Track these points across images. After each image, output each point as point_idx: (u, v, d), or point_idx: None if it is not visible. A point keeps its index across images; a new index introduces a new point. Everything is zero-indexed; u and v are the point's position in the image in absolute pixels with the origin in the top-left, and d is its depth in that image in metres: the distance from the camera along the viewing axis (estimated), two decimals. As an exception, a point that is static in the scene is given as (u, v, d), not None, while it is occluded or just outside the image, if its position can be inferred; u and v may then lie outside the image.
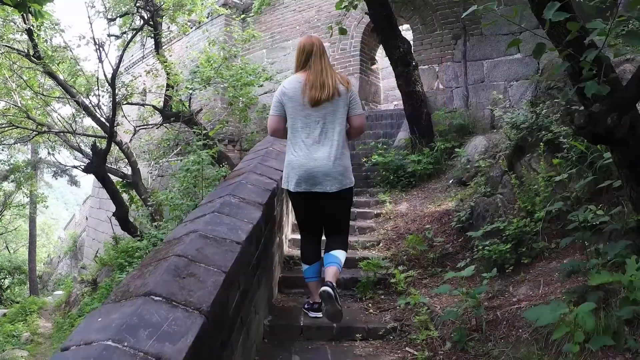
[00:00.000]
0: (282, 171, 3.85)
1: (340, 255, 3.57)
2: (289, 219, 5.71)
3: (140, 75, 12.01)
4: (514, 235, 4.25)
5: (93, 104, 11.20)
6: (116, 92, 10.99)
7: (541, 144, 4.81)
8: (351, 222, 4.66)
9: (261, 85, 10.77)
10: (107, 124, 11.00)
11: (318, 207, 3.62)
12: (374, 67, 12.08)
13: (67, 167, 17.60)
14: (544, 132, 4.99)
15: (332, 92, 3.40)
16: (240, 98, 11.19)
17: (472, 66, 9.96)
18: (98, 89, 11.28)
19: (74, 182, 21.71)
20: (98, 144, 11.30)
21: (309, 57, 3.49)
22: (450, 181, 7.08)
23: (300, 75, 3.51)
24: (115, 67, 10.19)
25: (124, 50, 11.55)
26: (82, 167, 11.76)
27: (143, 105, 11.88)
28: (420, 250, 4.93)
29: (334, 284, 3.34)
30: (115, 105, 10.99)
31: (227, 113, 11.92)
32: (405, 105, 7.75)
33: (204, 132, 9.87)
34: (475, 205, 5.20)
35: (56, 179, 21.87)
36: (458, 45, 10.26)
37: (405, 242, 5.16)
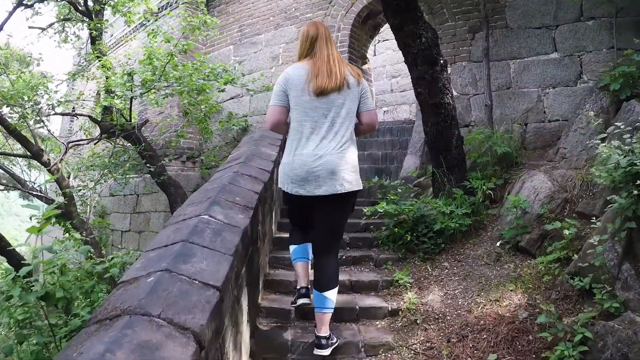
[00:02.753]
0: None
1: (332, 296, 3.10)
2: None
3: (74, 79, 9.06)
4: None
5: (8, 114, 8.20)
6: (41, 99, 8.08)
7: None
8: (352, 331, 3.61)
9: (222, 90, 8.01)
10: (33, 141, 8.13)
11: (317, 212, 3.14)
12: (365, 66, 9.39)
13: None
14: None
15: (340, 81, 2.95)
16: (200, 106, 8.37)
17: (495, 67, 7.40)
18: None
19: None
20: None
21: (314, 43, 3.04)
22: (498, 243, 4.49)
23: (306, 62, 3.04)
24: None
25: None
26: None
27: (74, 115, 8.96)
28: None
29: (329, 338, 3.11)
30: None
31: (183, 124, 9.11)
32: (428, 123, 5.10)
33: (141, 149, 7.11)
34: (598, 338, 2.57)
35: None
36: (476, 41, 7.64)
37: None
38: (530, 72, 7.35)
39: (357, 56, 9.12)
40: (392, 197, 4.89)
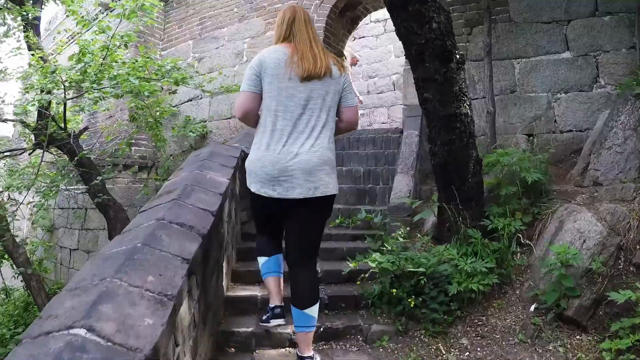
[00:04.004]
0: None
1: (314, 313, 2.64)
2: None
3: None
4: None
5: None
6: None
7: None
8: None
9: (174, 92, 6.48)
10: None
11: (289, 218, 2.66)
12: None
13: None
14: None
15: (325, 68, 2.53)
16: (150, 110, 6.82)
17: (497, 68, 6.11)
18: None
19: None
20: None
21: (291, 25, 2.63)
22: (533, 308, 3.22)
23: (284, 45, 2.60)
24: None
25: None
26: None
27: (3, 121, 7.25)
28: None
29: (313, 358, 2.65)
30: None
31: (131, 131, 7.55)
32: (436, 142, 3.62)
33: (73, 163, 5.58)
34: None
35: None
36: (474, 36, 6.31)
37: None
38: (539, 73, 6.05)
39: (333, 53, 7.67)
40: (391, 247, 3.45)
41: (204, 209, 3.02)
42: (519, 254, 3.66)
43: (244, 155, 4.80)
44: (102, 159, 8.35)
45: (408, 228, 4.57)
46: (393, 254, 3.36)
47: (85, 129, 7.54)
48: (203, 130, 8.11)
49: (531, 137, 6.02)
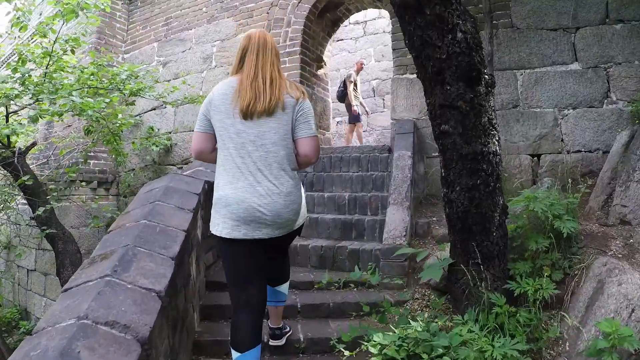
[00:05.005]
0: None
1: (285, 290, 2.82)
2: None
3: None
4: None
5: None
6: None
7: None
8: None
9: (131, 103, 5.46)
10: None
11: (260, 254, 2.42)
12: (321, 71, 7.05)
13: None
14: None
15: (272, 102, 2.28)
16: (106, 122, 5.79)
17: (498, 79, 5.25)
18: None
19: None
20: None
21: (243, 56, 2.41)
22: None
23: (235, 78, 2.40)
24: None
25: None
26: None
27: None
28: None
29: (282, 328, 2.94)
30: None
31: (87, 144, 6.52)
32: (454, 186, 2.69)
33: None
34: None
35: None
36: (472, 43, 5.37)
37: None
38: (544, 86, 5.26)
39: (312, 58, 6.77)
40: (402, 332, 2.53)
41: (149, 288, 2.12)
42: (547, 319, 2.81)
43: (207, 188, 3.85)
44: (58, 174, 7.28)
45: (405, 278, 3.72)
46: (398, 331, 2.47)
47: (34, 144, 6.45)
48: (168, 143, 7.10)
49: (535, 158, 5.23)
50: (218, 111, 2.33)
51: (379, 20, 10.75)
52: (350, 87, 8.21)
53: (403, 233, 3.91)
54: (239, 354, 2.28)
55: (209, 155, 2.45)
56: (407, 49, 5.76)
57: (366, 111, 8.42)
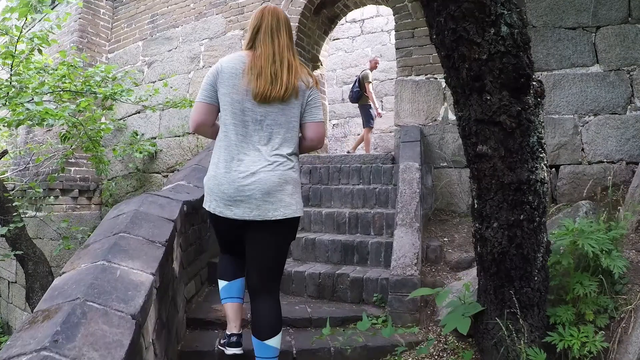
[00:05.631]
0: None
1: (276, 343, 2.32)
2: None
3: None
4: None
5: None
6: None
7: None
8: None
9: (109, 108, 4.87)
10: None
11: (249, 241, 2.34)
12: (317, 72, 6.48)
13: None
14: None
15: (287, 89, 2.18)
16: (84, 127, 5.20)
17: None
18: None
19: None
20: None
21: (255, 35, 2.27)
22: None
23: (246, 54, 2.25)
24: None
25: None
26: None
27: None
28: None
29: None
30: None
31: (62, 151, 5.92)
32: (489, 221, 2.11)
33: None
34: None
35: None
36: (483, 43, 4.82)
37: None
38: (563, 90, 4.72)
39: (307, 58, 6.21)
40: None
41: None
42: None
43: (186, 210, 3.28)
44: (38, 181, 6.67)
45: (417, 314, 3.17)
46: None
47: (4, 153, 5.83)
48: (154, 149, 6.49)
49: (553, 170, 4.69)
50: (226, 85, 2.21)
51: (377, 18, 10.17)
52: (370, 87, 7.44)
53: (414, 260, 3.35)
54: (226, 282, 2.53)
55: (208, 128, 2.33)
56: (411, 47, 5.21)
57: (379, 113, 7.64)
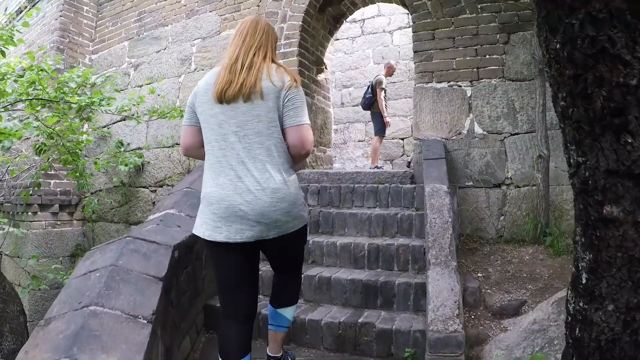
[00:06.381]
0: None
1: (290, 314, 2.41)
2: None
3: None
4: None
5: None
6: None
7: None
8: None
9: (87, 119, 4.20)
10: None
11: (250, 261, 2.12)
12: (321, 76, 5.84)
13: None
14: None
15: (243, 88, 2.00)
16: (62, 139, 4.54)
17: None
18: None
19: None
20: None
21: (233, 39, 2.17)
22: None
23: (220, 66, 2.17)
24: None
25: None
26: None
27: None
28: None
29: (281, 358, 2.43)
30: None
31: (40, 163, 5.25)
32: (602, 300, 1.41)
33: None
34: None
35: None
36: (513, 45, 4.37)
37: None
38: (604, 100, 4.07)
39: (311, 61, 5.56)
40: None
41: None
42: None
43: (178, 255, 2.62)
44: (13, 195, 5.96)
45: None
46: None
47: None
48: (139, 161, 5.80)
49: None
50: (202, 101, 2.11)
51: (378, 18, 9.52)
52: (381, 95, 6.81)
53: (455, 311, 2.73)
54: None
55: (197, 150, 2.21)
56: (431, 51, 4.57)
57: (387, 122, 7.01)
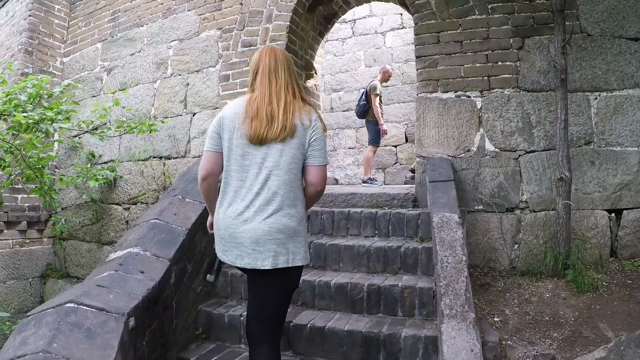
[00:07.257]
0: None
1: None
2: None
3: None
4: None
5: None
6: None
7: None
8: None
9: (45, 133, 3.56)
10: None
11: (248, 284, 2.24)
12: (311, 82, 5.28)
13: None
14: None
15: (285, 129, 2.06)
16: (23, 153, 3.92)
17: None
18: None
19: None
20: None
21: (255, 76, 2.22)
22: None
23: (246, 97, 2.20)
24: None
25: None
26: None
27: None
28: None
29: None
30: None
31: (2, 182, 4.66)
32: None
33: None
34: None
35: None
36: (528, 52, 3.84)
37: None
38: (626, 116, 3.66)
39: (300, 65, 4.99)
40: None
41: None
42: None
43: (134, 323, 2.05)
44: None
45: None
46: None
47: None
48: (112, 175, 5.18)
49: (614, 214, 3.60)
50: (227, 130, 2.13)
51: (370, 18, 8.95)
52: (376, 101, 6.21)
53: (477, 379, 2.19)
54: None
55: (215, 179, 2.20)
56: (436, 56, 4.00)
57: (384, 130, 6.40)
